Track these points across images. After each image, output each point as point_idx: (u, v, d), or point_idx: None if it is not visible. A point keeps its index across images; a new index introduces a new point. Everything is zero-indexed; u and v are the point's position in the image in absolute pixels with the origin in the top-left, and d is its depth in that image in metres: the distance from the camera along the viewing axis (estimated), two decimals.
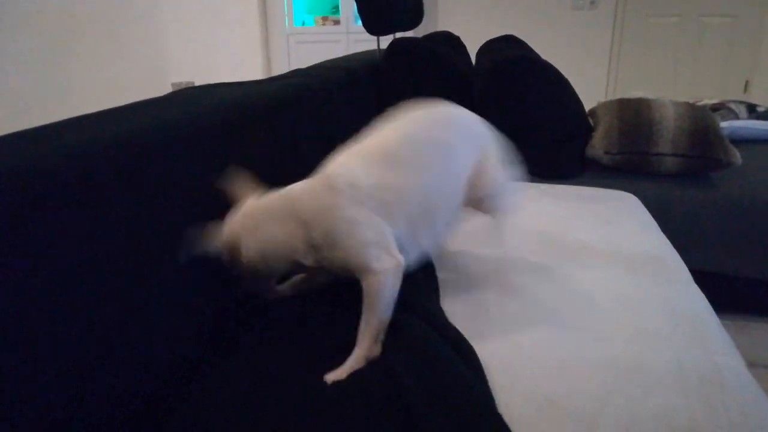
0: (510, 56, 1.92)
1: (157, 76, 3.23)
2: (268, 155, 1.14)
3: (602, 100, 2.17)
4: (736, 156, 1.76)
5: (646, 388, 0.77)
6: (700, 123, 1.79)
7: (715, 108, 2.31)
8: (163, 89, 1.22)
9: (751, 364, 1.67)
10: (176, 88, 1.31)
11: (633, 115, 1.85)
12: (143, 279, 0.74)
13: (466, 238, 1.25)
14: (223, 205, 0.93)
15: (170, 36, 3.33)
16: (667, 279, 1.11)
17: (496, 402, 0.72)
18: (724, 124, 2.10)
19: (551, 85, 1.92)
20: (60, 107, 2.50)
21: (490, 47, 2.38)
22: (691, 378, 0.80)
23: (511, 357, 0.83)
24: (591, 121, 2.05)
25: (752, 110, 2.30)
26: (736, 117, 2.24)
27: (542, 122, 1.89)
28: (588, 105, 2.17)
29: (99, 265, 0.66)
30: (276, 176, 1.16)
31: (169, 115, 0.88)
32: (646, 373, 0.80)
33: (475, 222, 1.25)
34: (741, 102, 2.37)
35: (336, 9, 4.52)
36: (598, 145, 1.85)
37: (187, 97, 1.04)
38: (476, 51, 2.52)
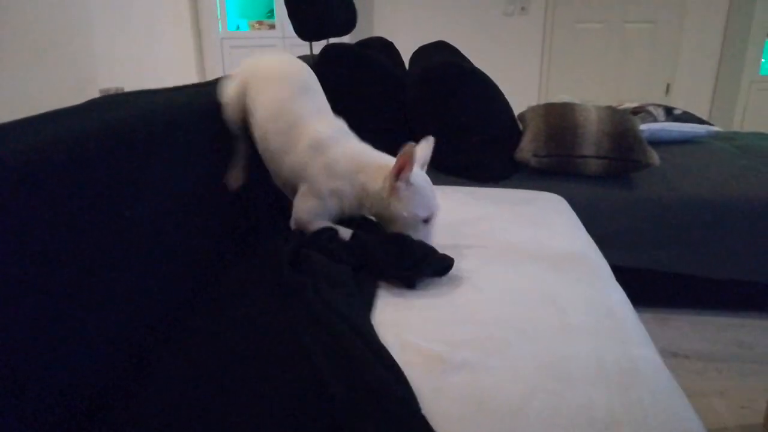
0: (439, 62, 1.95)
1: (85, 82, 3.11)
2: (192, 162, 1.12)
3: (534, 103, 2.24)
4: (654, 157, 1.85)
5: (568, 382, 0.80)
6: (621, 126, 1.87)
7: (636, 111, 2.42)
8: (91, 95, 1.19)
9: (673, 354, 1.77)
10: (105, 94, 1.27)
11: (558, 120, 1.92)
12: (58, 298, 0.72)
13: None
14: (141, 215, 0.91)
15: (98, 40, 3.22)
16: (588, 276, 1.16)
17: (422, 402, 0.73)
18: (643, 127, 2.20)
19: (479, 90, 1.96)
20: None
21: (422, 53, 2.41)
22: (609, 371, 0.84)
23: (444, 359, 0.85)
24: (521, 125, 2.11)
25: (669, 113, 2.42)
26: (655, 120, 2.35)
27: (471, 127, 1.93)
28: (521, 109, 2.24)
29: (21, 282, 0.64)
30: (200, 184, 1.15)
31: (87, 124, 0.86)
32: (567, 367, 0.84)
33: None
34: (659, 105, 2.49)
35: (271, 13, 4.48)
36: (526, 149, 1.91)
37: (109, 104, 1.02)
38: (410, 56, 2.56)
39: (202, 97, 1.28)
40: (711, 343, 1.84)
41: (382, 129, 2.10)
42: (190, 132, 1.13)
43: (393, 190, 1.13)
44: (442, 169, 1.99)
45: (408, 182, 1.13)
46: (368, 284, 1.05)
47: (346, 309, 0.90)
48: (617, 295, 1.12)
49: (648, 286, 1.96)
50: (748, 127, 4.26)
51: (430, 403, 0.74)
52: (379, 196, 1.15)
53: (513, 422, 0.72)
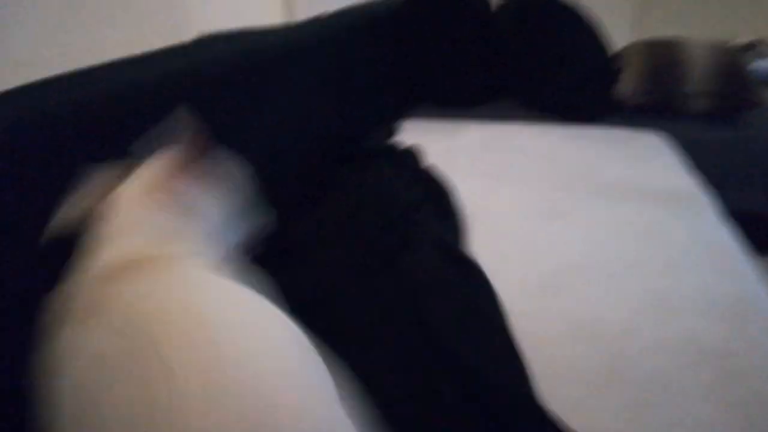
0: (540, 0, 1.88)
1: (181, 25, 3.21)
2: (287, 102, 1.16)
3: (632, 40, 2.12)
4: (763, 97, 1.73)
5: (673, 313, 0.80)
6: (728, 63, 1.76)
7: (748, 48, 2.24)
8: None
9: None
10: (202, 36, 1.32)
11: (662, 56, 1.82)
12: None
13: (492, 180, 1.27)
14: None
15: None
16: (695, 214, 1.12)
17: (517, 323, 0.74)
18: (758, 63, 2.04)
19: (576, 25, 1.88)
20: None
21: None
22: (717, 303, 0.82)
23: (543, 283, 0.86)
24: (621, 62, 2.01)
25: None
26: None
27: (567, 63, 1.86)
28: (617, 45, 2.12)
29: None
30: (295, 123, 1.18)
31: (193, 62, 0.91)
32: (673, 300, 0.83)
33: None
34: None
35: None
36: (626, 87, 1.83)
37: (210, 43, 1.07)
38: None
39: (294, 36, 1.30)
40: None
41: (472, 69, 2.06)
42: (286, 68, 1.16)
43: None
44: (538, 107, 1.93)
45: None
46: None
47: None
48: (724, 233, 1.08)
49: None
50: None
51: (534, 324, 0.75)
52: None
53: (618, 348, 0.73)
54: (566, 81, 1.88)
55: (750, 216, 1.71)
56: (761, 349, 0.72)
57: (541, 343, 0.72)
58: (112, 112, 0.71)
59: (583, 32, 1.93)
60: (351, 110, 1.49)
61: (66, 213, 0.58)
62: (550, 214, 1.08)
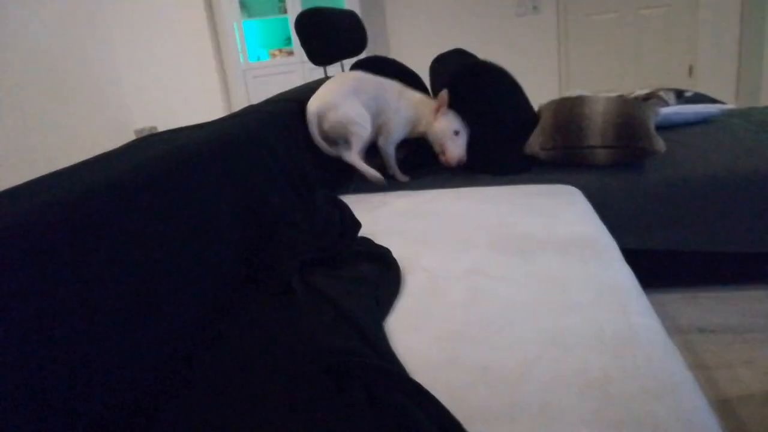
0: (470, 64, 2.05)
1: (119, 124, 3.30)
2: (230, 192, 1.25)
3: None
4: (659, 144, 1.90)
5: (567, 349, 0.90)
6: (625, 115, 1.93)
7: (647, 98, 2.46)
8: (126, 136, 1.33)
9: (700, 330, 1.82)
10: (139, 134, 1.42)
11: (566, 112, 1.99)
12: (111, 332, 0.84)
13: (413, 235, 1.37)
14: (184, 256, 1.03)
15: (127, 83, 3.40)
16: (595, 258, 1.24)
17: (438, 373, 0.84)
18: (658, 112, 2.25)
19: (508, 88, 2.05)
20: (22, 167, 2.57)
21: (443, 60, 2.51)
22: (607, 338, 0.92)
23: (450, 334, 0.96)
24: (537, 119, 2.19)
25: (681, 96, 2.46)
26: (666, 104, 2.40)
27: (501, 123, 2.03)
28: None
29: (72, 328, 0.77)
30: (240, 211, 1.27)
31: (129, 166, 1.00)
32: (568, 337, 0.93)
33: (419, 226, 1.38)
34: (670, 89, 2.53)
35: (288, 40, 4.66)
36: (534, 142, 1.99)
37: (147, 145, 1.16)
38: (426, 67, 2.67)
39: (226, 130, 1.41)
40: (738, 317, 1.87)
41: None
42: (225, 164, 1.26)
43: (437, 117, 1.98)
44: (468, 165, 2.07)
45: (442, 114, 1.98)
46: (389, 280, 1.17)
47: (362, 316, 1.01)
48: (623, 272, 1.19)
49: (676, 267, 2.00)
50: None
51: (444, 373, 0.85)
52: (429, 120, 2.00)
53: (516, 386, 0.82)
54: (498, 139, 2.03)
55: (646, 254, 1.88)
56: (640, 375, 0.83)
57: (449, 389, 0.81)
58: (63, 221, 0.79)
59: (513, 94, 2.10)
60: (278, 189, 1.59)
61: None
62: (467, 273, 1.19)
